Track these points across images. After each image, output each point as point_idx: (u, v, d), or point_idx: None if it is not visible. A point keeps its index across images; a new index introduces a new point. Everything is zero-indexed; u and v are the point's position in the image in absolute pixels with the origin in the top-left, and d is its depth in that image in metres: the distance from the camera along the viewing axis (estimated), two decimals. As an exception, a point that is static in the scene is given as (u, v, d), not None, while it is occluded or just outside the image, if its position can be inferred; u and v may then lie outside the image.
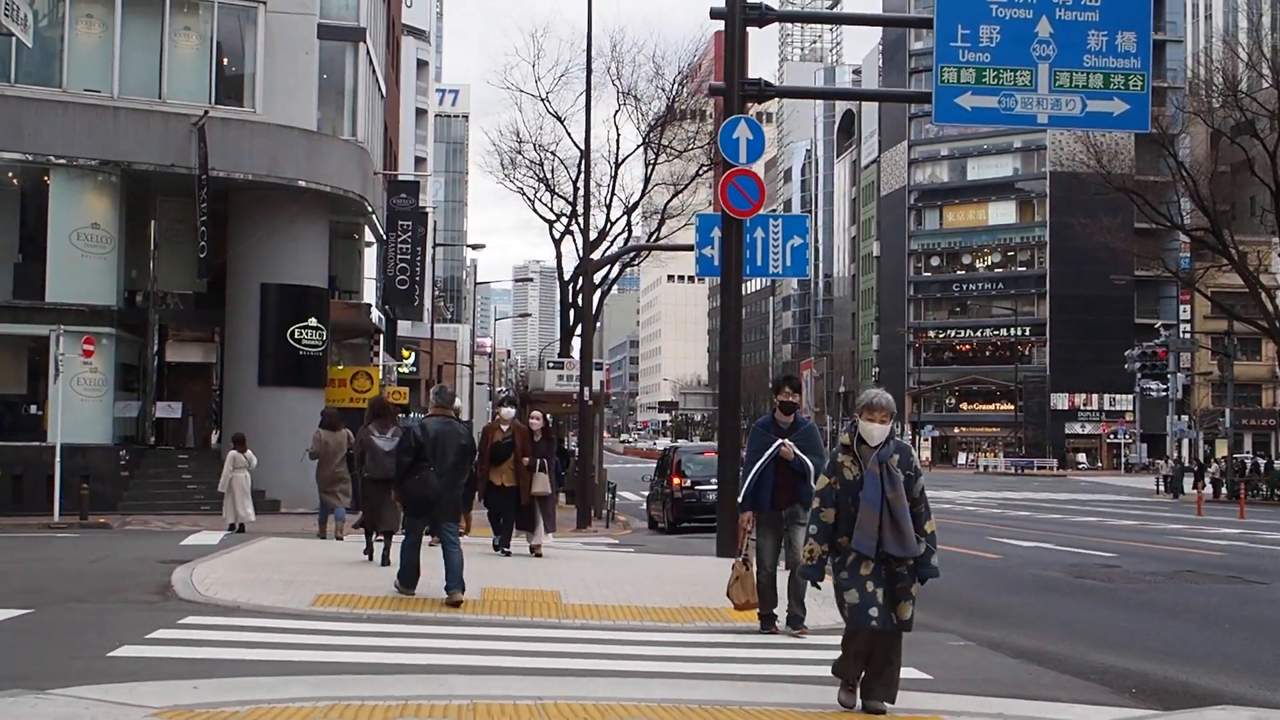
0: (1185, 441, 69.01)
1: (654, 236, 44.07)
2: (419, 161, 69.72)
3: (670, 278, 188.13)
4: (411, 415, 35.64)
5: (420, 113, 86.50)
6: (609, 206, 40.19)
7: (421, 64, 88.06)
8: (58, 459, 23.00)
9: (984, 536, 22.85)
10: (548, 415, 38.01)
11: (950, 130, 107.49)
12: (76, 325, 25.12)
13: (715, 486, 25.11)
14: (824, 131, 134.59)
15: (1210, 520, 31.57)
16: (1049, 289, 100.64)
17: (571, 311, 41.68)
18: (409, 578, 10.97)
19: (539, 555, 14.72)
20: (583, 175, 27.11)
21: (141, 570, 12.71)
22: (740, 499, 9.51)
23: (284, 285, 28.16)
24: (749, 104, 16.87)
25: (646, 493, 35.01)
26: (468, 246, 52.66)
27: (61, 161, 25.89)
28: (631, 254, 39.44)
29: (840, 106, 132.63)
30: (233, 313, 28.41)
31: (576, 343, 45.26)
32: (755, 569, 9.64)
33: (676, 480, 25.33)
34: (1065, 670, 8.71)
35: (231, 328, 28.53)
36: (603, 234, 41.23)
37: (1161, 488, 56.83)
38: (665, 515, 26.07)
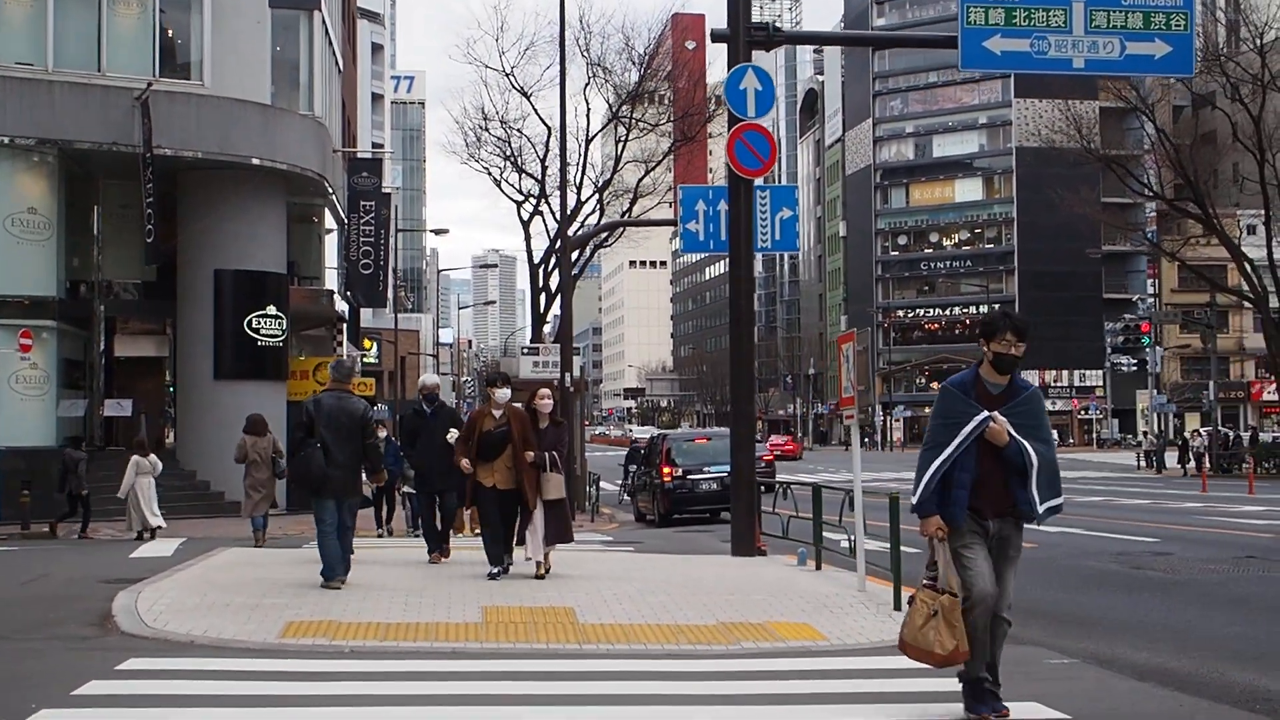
0: (1158, 416, 68.02)
1: (626, 215, 42.31)
2: (376, 147, 67.53)
3: (632, 264, 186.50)
4: (378, 406, 33.81)
5: (376, 98, 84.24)
6: (579, 185, 38.41)
7: (377, 48, 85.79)
8: (-6, 464, 21.00)
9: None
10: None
11: (915, 107, 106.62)
12: (13, 318, 23.15)
13: (709, 475, 23.88)
14: (786, 111, 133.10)
15: (1221, 496, 30.26)
16: (1017, 265, 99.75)
17: (543, 296, 39.89)
18: (330, 568, 10.62)
19: (543, 577, 11.42)
20: (558, 143, 25.35)
21: (80, 594, 10.87)
22: (915, 497, 6.18)
23: (239, 271, 26.22)
24: (755, 50, 15.14)
25: (622, 481, 33.40)
26: (430, 231, 50.79)
27: (-8, 140, 23.80)
28: (607, 232, 37.63)
29: (802, 85, 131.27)
30: (184, 302, 26.44)
31: (547, 329, 43.59)
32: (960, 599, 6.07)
33: (667, 470, 23.67)
34: (1216, 697, 7.10)
35: (184, 318, 26.56)
36: (573, 214, 39.45)
37: (1143, 463, 55.71)
38: (655, 507, 24.43)
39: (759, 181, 16.08)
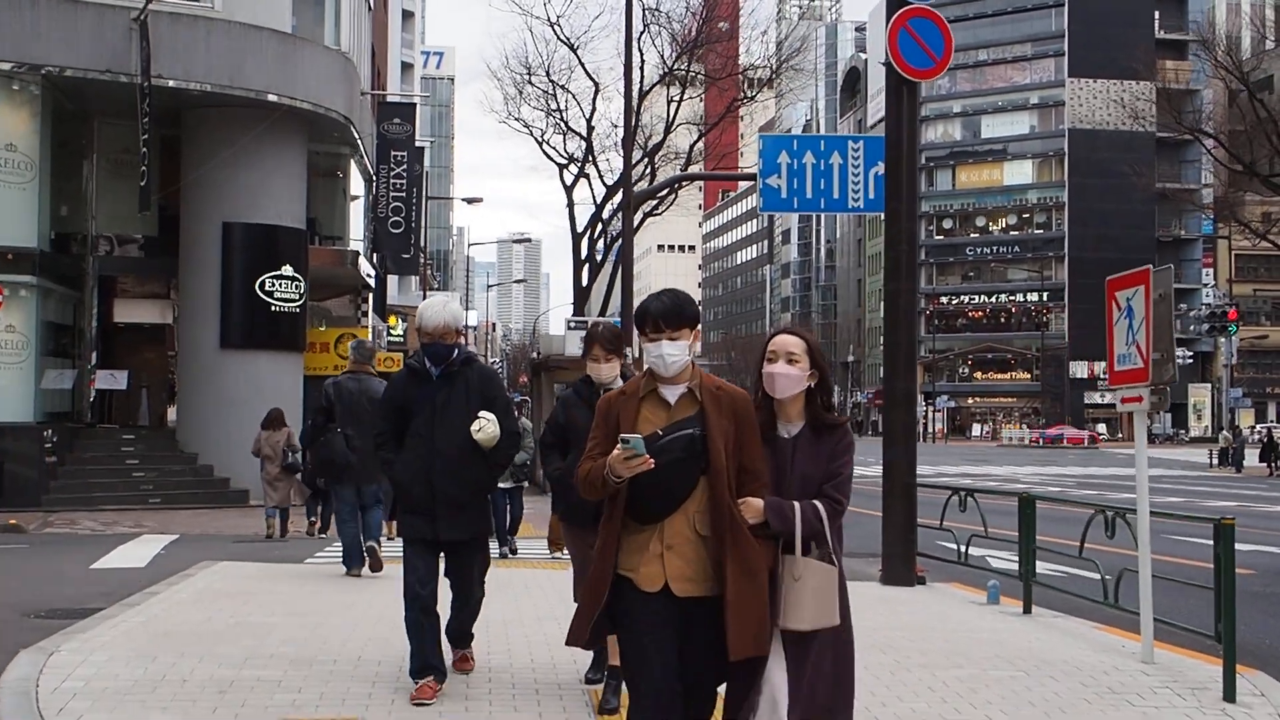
0: (1232, 411, 63.93)
1: (672, 187, 38.76)
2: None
3: (660, 248, 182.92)
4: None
5: (406, 67, 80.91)
6: (625, 154, 34.89)
7: (407, 15, 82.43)
8: (-46, 442, 17.60)
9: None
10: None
11: (964, 86, 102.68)
12: (-16, 272, 19.69)
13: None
14: (826, 90, 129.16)
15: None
16: (1067, 252, 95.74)
17: (586, 267, 36.38)
18: (352, 556, 10.47)
19: None
20: (622, 72, 21.71)
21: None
22: None
23: (251, 225, 22.73)
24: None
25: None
26: (462, 200, 47.22)
27: (-36, 64, 20.36)
28: (670, 188, 33.99)
29: (843, 64, 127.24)
30: (188, 259, 22.98)
31: (589, 303, 40.09)
32: None
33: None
34: None
35: (187, 277, 23.10)
36: (620, 180, 36.03)
37: (1216, 460, 51.75)
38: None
39: (849, 131, 12.99)
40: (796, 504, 3.92)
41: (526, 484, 17.59)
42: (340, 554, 10.72)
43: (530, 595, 9.32)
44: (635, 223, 37.53)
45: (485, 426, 5.90)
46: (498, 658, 6.69)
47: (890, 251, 11.15)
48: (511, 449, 6.10)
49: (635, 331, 4.18)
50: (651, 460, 3.67)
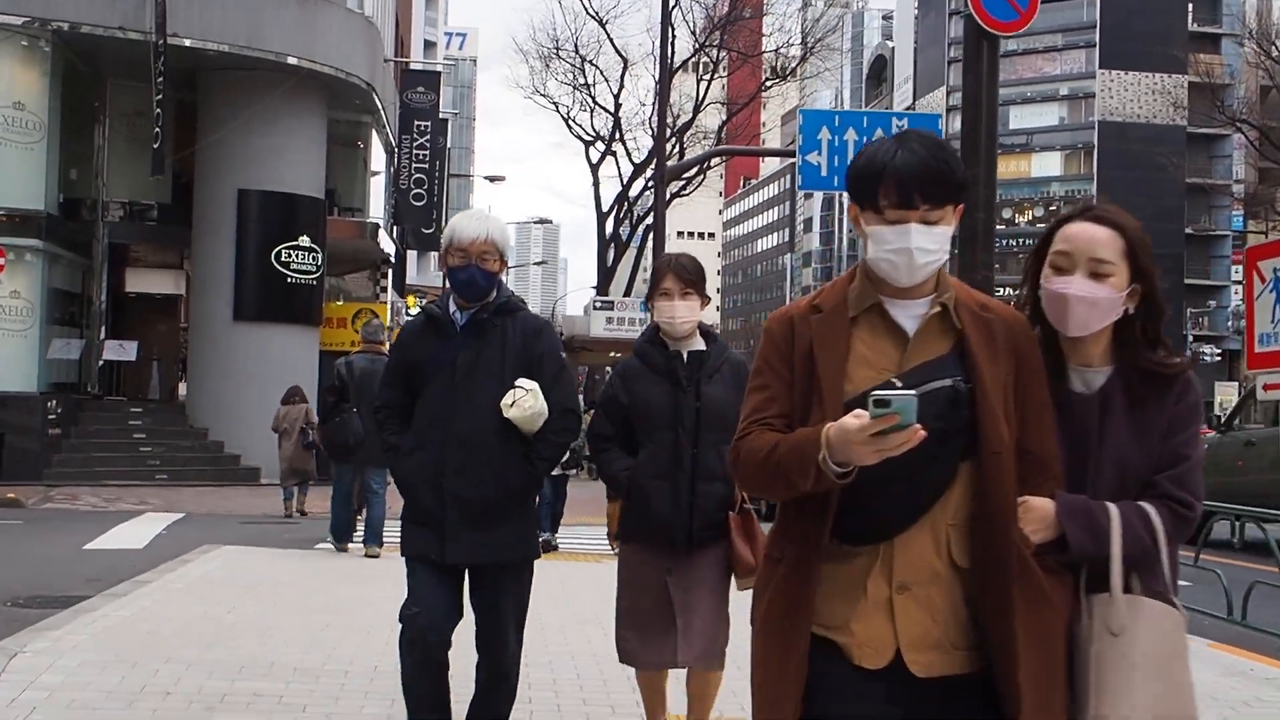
0: None
1: (705, 163, 37.78)
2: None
3: (680, 234, 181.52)
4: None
5: (429, 45, 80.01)
6: (659, 126, 33.93)
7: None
8: (-50, 411, 16.73)
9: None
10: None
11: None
12: (-11, 235, 18.80)
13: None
14: (851, 79, 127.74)
15: None
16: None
17: (611, 247, 35.43)
18: (341, 531, 10.64)
19: None
20: (658, 35, 20.56)
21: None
22: None
23: (268, 193, 21.81)
24: None
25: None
26: (485, 178, 46.28)
27: (-29, 17, 19.45)
28: (701, 166, 33.00)
29: (869, 53, 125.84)
30: (201, 227, 22.07)
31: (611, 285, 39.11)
32: None
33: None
34: None
35: (200, 246, 22.19)
36: (648, 160, 35.08)
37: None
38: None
39: (895, 107, 12.12)
40: (1112, 507, 2.34)
41: (577, 472, 16.36)
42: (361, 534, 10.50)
43: (571, 592, 8.37)
44: (680, 189, 36.65)
45: (521, 399, 4.01)
46: (537, 671, 5.73)
47: (968, 218, 10.13)
48: (565, 434, 4.17)
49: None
50: (922, 431, 2.07)
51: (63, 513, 15.64)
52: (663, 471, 4.27)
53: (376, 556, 9.93)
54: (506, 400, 3.99)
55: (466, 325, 4.10)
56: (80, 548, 10.72)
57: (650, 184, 35.66)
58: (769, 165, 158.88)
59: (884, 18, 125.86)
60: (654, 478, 4.29)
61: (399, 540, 4.17)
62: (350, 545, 10.67)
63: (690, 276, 4.35)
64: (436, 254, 45.35)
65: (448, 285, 4.21)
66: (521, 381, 4.04)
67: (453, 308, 4.14)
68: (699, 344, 4.40)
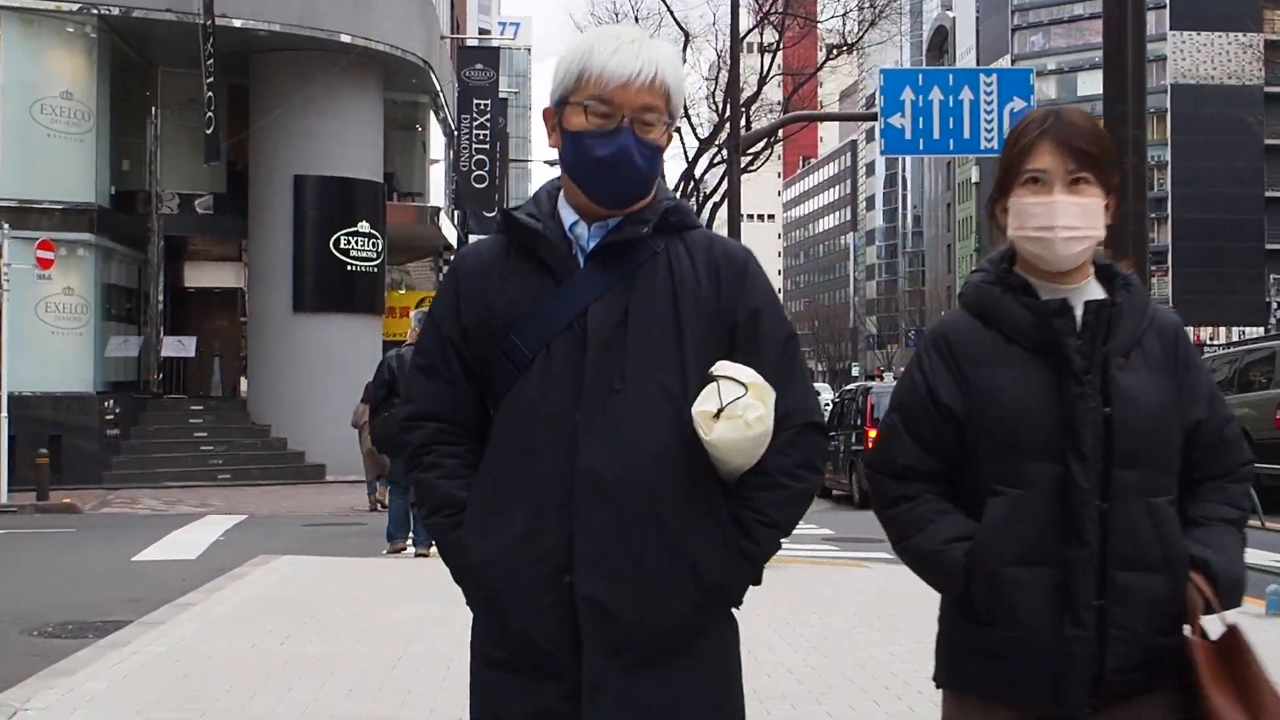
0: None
1: (770, 138, 36.58)
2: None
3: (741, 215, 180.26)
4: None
5: (483, 33, 79.40)
6: (731, 89, 32.83)
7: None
8: (3, 413, 15.99)
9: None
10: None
11: (1058, 42, 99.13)
12: (41, 230, 18.06)
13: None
14: (911, 52, 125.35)
15: None
16: (1170, 213, 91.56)
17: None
18: (399, 524, 10.33)
19: None
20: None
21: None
22: None
23: (325, 178, 20.96)
24: None
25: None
26: (545, 162, 45.33)
27: (14, 3, 18.69)
28: (776, 131, 31.79)
29: (928, 24, 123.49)
30: (257, 215, 21.27)
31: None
32: None
33: (875, 435, 17.87)
34: None
35: (256, 236, 21.40)
36: (713, 135, 33.99)
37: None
38: (853, 483, 18.71)
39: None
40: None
41: None
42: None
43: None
44: (723, 182, 35.55)
45: (736, 404, 2.01)
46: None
47: (1117, 166, 8.90)
48: (807, 475, 2.12)
49: None
50: None
51: (120, 518, 14.88)
52: (1039, 549, 2.08)
53: (427, 556, 9.34)
54: (705, 406, 2.01)
55: (601, 252, 2.10)
56: (129, 559, 9.83)
57: (716, 161, 34.77)
58: (828, 144, 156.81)
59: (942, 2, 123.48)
60: (1019, 562, 2.08)
61: (468, 687, 2.15)
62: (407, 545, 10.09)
63: (1086, 148, 2.15)
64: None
65: (541, 187, 2.25)
66: (726, 368, 2.05)
67: (567, 217, 2.14)
68: (1095, 289, 2.18)
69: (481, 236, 32.04)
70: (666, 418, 2.03)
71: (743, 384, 2.02)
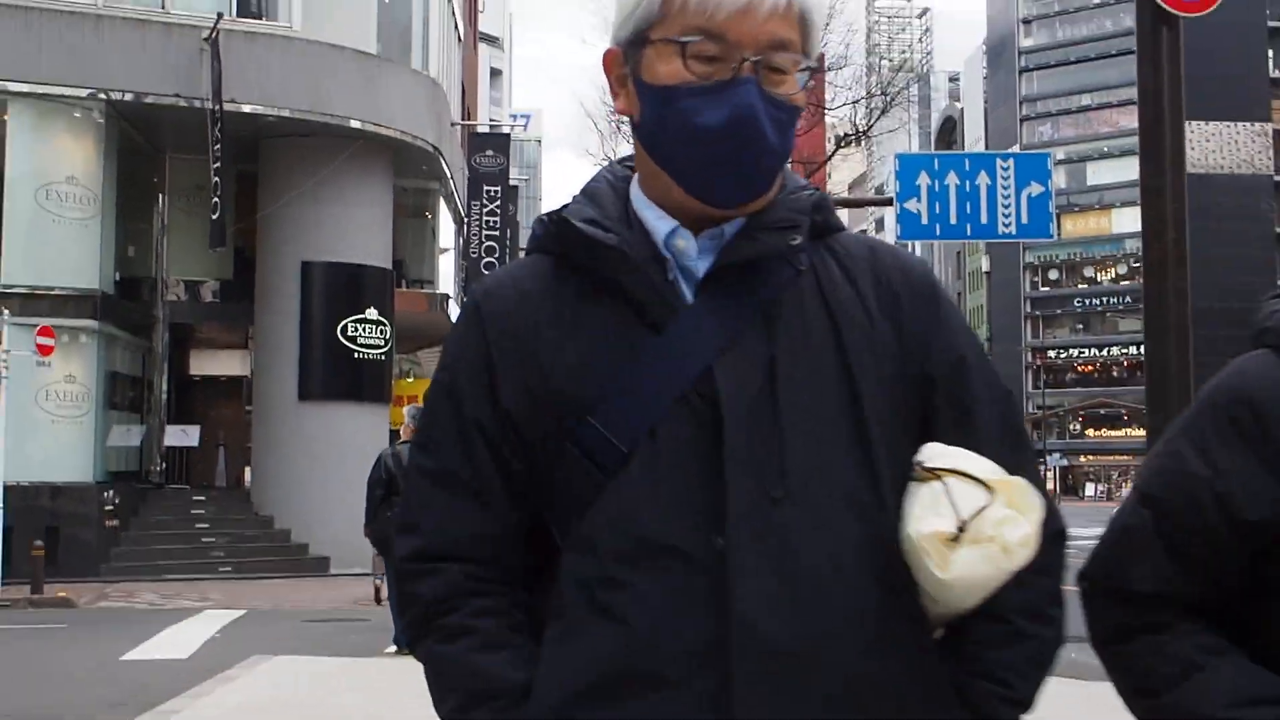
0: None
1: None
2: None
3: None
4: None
5: (494, 125, 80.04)
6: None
7: (495, 73, 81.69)
8: (-3, 504, 15.51)
9: None
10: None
11: (1067, 132, 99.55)
12: (43, 317, 17.76)
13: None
14: (920, 142, 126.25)
15: None
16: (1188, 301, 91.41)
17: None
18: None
19: None
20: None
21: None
22: None
23: (333, 264, 20.66)
24: None
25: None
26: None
27: (22, 89, 18.56)
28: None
29: (937, 115, 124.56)
30: (264, 301, 20.95)
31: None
32: None
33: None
34: None
35: (263, 322, 21.06)
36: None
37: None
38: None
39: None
40: None
41: None
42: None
43: None
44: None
45: (982, 520, 1.28)
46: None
47: (1155, 242, 8.45)
48: (1056, 619, 1.36)
49: None
50: None
51: (114, 613, 14.34)
52: None
53: (410, 654, 8.44)
54: (934, 525, 1.28)
55: (719, 276, 1.35)
56: (118, 658, 9.28)
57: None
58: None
59: (950, 79, 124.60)
60: None
61: None
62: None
63: None
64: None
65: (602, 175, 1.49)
66: (945, 455, 1.33)
67: (656, 224, 1.37)
68: None
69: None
70: (861, 544, 1.28)
71: (983, 483, 1.29)
